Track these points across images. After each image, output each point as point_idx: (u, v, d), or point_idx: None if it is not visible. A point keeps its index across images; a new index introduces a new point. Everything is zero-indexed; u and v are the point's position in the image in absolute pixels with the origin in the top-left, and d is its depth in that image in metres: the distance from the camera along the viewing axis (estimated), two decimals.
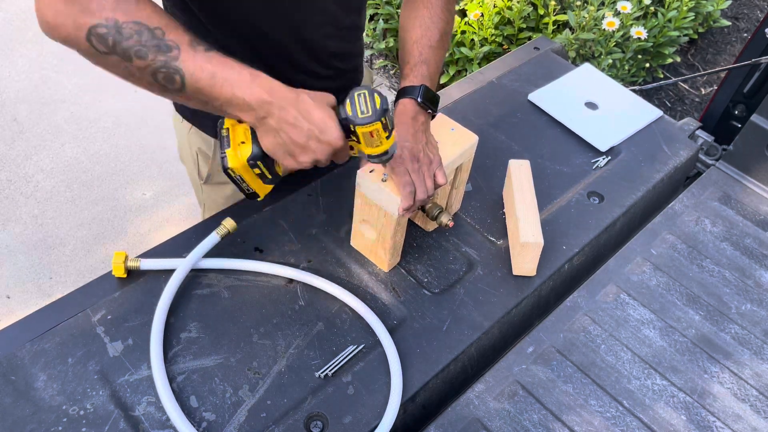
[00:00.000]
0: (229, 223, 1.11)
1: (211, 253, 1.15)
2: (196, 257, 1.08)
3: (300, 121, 0.85)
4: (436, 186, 1.04)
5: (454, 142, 1.12)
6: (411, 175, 0.99)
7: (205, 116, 1.19)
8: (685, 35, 2.90)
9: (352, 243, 1.19)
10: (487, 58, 2.75)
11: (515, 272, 1.17)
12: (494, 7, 2.66)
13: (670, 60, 2.80)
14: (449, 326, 1.10)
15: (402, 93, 1.06)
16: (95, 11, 0.78)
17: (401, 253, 1.18)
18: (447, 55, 2.76)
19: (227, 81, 0.83)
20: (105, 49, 0.80)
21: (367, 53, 3.22)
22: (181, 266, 1.07)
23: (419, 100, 1.04)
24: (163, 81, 0.83)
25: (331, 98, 0.91)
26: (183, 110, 1.25)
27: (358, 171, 1.05)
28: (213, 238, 1.10)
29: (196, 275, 1.12)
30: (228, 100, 0.84)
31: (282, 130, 0.86)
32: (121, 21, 0.79)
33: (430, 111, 1.06)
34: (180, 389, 0.98)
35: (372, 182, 1.03)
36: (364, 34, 3.23)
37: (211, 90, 0.83)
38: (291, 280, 1.13)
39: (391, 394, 0.98)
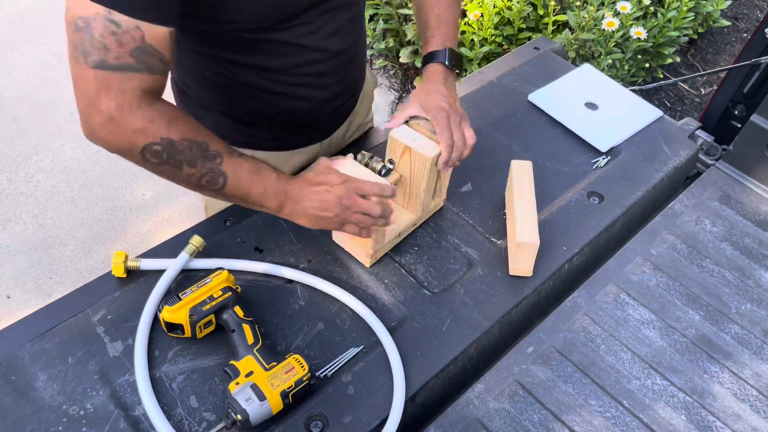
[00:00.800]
0: (196, 241, 1.11)
1: (211, 254, 1.15)
2: (166, 281, 1.08)
3: (311, 189, 1.01)
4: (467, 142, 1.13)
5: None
6: (452, 127, 1.09)
7: (204, 119, 1.19)
8: (685, 35, 2.90)
9: (334, 238, 1.19)
10: (487, 58, 2.75)
11: (512, 272, 1.17)
12: (494, 7, 2.66)
13: (669, 60, 2.80)
14: (449, 326, 1.10)
15: (430, 58, 1.16)
16: (150, 134, 0.89)
17: (397, 252, 1.18)
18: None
19: (261, 180, 0.99)
20: (158, 161, 0.92)
21: (367, 54, 3.22)
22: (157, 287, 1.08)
23: (447, 63, 1.14)
24: (206, 183, 0.97)
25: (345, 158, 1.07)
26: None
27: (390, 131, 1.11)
28: (183, 258, 1.10)
29: (196, 275, 1.12)
30: (260, 196, 1.00)
31: (300, 208, 1.01)
32: (176, 139, 0.92)
33: (457, 71, 1.17)
34: (180, 389, 0.98)
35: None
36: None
37: (248, 189, 0.99)
38: (291, 280, 1.13)
39: (394, 395, 0.98)
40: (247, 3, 0.95)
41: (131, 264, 1.10)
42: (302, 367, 0.96)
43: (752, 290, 1.24)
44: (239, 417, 0.91)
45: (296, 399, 0.96)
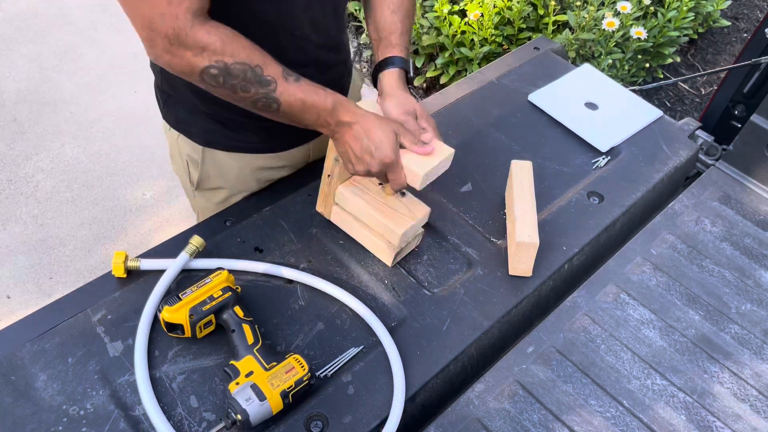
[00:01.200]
0: (196, 241, 1.11)
1: (211, 254, 1.15)
2: (166, 283, 1.08)
3: (361, 137, 1.02)
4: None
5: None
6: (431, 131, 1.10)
7: (191, 123, 1.19)
8: (685, 35, 2.90)
9: (355, 236, 1.20)
10: (487, 58, 2.75)
11: (511, 272, 1.17)
12: (494, 7, 2.66)
13: (670, 60, 2.80)
14: (449, 326, 1.10)
15: (396, 61, 1.15)
16: (206, 57, 0.92)
17: (404, 256, 1.18)
18: (447, 55, 2.77)
19: (314, 106, 1.00)
20: (215, 84, 0.95)
21: (366, 53, 3.22)
22: (157, 287, 1.08)
23: (411, 73, 1.16)
24: (261, 107, 0.99)
25: (395, 124, 1.05)
26: (169, 118, 1.24)
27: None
28: (183, 258, 1.10)
29: (196, 275, 1.12)
30: (314, 121, 1.01)
31: (348, 143, 1.03)
32: (229, 63, 0.93)
33: (410, 76, 1.18)
34: (180, 389, 0.98)
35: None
36: (364, 34, 3.24)
37: (301, 113, 1.00)
38: (291, 280, 1.13)
39: (394, 395, 0.98)
40: None
41: (131, 264, 1.10)
42: (302, 367, 0.96)
43: (752, 290, 1.24)
44: (239, 417, 0.91)
45: (296, 399, 0.96)
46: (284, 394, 0.94)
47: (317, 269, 1.15)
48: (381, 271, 1.16)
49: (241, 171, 1.25)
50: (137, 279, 1.11)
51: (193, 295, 1.01)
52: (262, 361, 0.96)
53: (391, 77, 1.14)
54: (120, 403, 0.96)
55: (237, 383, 0.94)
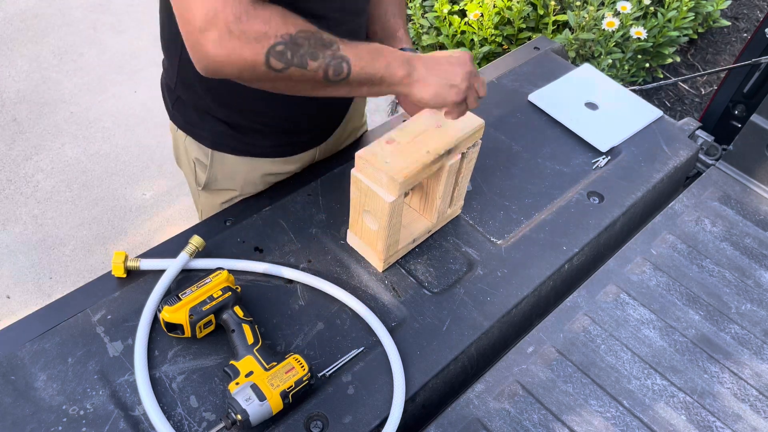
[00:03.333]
0: (196, 241, 1.11)
1: (211, 254, 1.15)
2: (165, 283, 1.08)
3: (438, 61, 1.02)
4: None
5: (461, 124, 1.10)
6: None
7: (200, 126, 1.19)
8: (685, 35, 2.90)
9: (349, 241, 1.19)
10: (487, 58, 2.75)
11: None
12: (494, 7, 2.66)
13: (669, 60, 2.80)
14: (449, 326, 1.10)
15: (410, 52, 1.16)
16: (272, 34, 0.87)
17: (401, 255, 1.18)
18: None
19: (381, 55, 0.97)
20: (283, 65, 0.89)
21: None
22: (158, 286, 1.08)
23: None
24: (332, 74, 0.93)
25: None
26: (177, 119, 1.24)
27: (356, 154, 1.04)
28: (183, 258, 1.10)
29: (196, 275, 1.12)
30: (386, 68, 0.97)
31: (428, 76, 1.00)
32: (294, 33, 0.89)
33: None
34: (180, 389, 0.98)
35: (372, 165, 1.02)
36: None
37: (373, 68, 0.96)
38: (291, 280, 1.13)
39: (394, 395, 0.98)
40: None
41: (131, 264, 1.10)
42: (302, 367, 0.96)
43: (752, 290, 1.24)
44: (239, 417, 0.91)
45: (296, 399, 0.96)
46: (284, 394, 0.94)
47: (317, 269, 1.15)
48: (381, 272, 1.16)
49: (249, 174, 1.26)
50: (137, 279, 1.11)
51: (193, 295, 1.01)
52: (262, 361, 0.96)
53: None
54: (120, 403, 0.96)
55: (237, 383, 0.94)
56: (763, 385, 1.10)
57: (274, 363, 0.96)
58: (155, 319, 1.05)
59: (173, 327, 1.01)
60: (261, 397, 0.92)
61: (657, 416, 1.04)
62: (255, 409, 0.91)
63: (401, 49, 1.15)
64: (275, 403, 0.93)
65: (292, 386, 0.94)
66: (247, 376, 0.95)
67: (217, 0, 0.83)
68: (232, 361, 0.97)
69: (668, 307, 1.20)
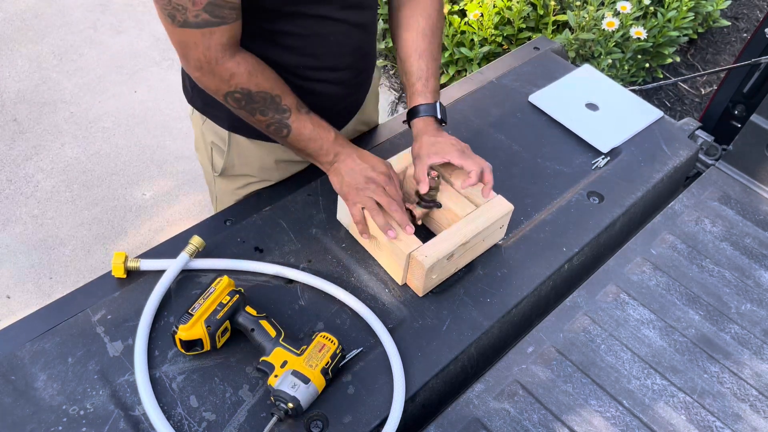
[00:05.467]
0: (196, 241, 1.11)
1: (211, 254, 1.15)
2: (163, 287, 1.08)
3: (358, 163, 1.11)
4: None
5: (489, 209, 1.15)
6: (473, 158, 1.15)
7: (218, 107, 1.20)
8: (685, 35, 2.90)
9: (368, 248, 1.20)
10: (487, 58, 2.75)
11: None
12: (494, 7, 2.66)
13: (669, 60, 2.80)
14: (449, 326, 1.10)
15: (421, 110, 1.18)
16: (233, 84, 1.03)
17: None
18: (447, 55, 2.77)
19: (319, 137, 1.10)
20: (236, 106, 1.06)
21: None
22: (160, 284, 1.08)
23: (439, 116, 1.19)
24: (273, 131, 1.10)
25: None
26: (195, 102, 1.26)
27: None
28: (183, 258, 1.10)
29: (196, 275, 1.12)
30: (316, 149, 1.11)
31: (349, 167, 1.11)
32: (253, 91, 1.04)
33: (444, 123, 1.21)
34: (180, 389, 0.98)
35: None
36: None
37: (307, 143, 1.10)
38: (291, 280, 1.13)
39: (394, 395, 0.98)
40: None
41: (131, 264, 1.10)
42: (332, 342, 0.99)
43: (752, 290, 1.24)
44: (290, 405, 0.93)
45: (334, 374, 0.99)
46: (324, 371, 0.97)
47: (317, 269, 1.15)
48: (381, 271, 1.16)
49: (264, 160, 1.28)
50: (137, 279, 1.11)
51: (203, 308, 1.00)
52: (292, 349, 0.98)
53: (419, 124, 1.19)
54: (120, 403, 0.96)
55: (276, 376, 0.95)
56: (763, 385, 1.10)
57: (304, 347, 0.98)
58: (155, 319, 1.05)
59: (191, 345, 1.00)
60: (305, 380, 0.94)
61: (657, 416, 1.04)
62: (303, 392, 0.94)
63: (416, 106, 1.19)
64: (319, 382, 0.96)
65: (329, 362, 0.97)
66: (282, 366, 0.96)
67: (189, 41, 0.97)
68: (262, 358, 0.98)
69: (668, 307, 1.20)
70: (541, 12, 2.70)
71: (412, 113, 1.19)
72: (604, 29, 2.48)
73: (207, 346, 1.00)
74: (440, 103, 1.20)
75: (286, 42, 1.09)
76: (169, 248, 1.15)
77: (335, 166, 1.12)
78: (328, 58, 1.15)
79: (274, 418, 0.94)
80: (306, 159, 1.16)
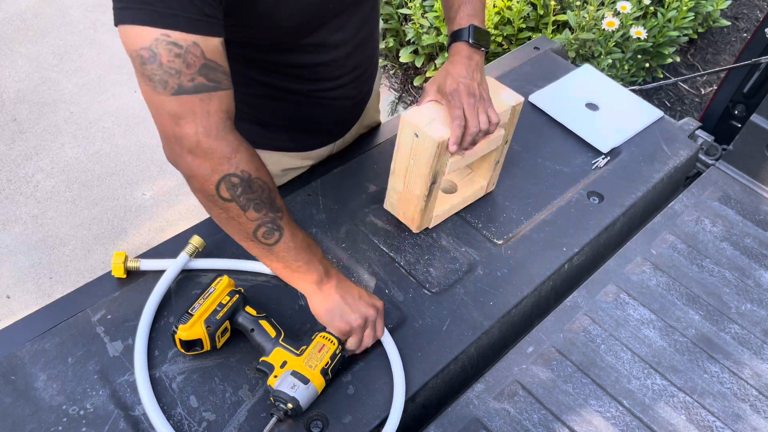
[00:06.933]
0: (196, 241, 1.11)
1: (211, 254, 1.15)
2: (165, 285, 1.08)
3: (351, 291, 1.00)
4: (490, 123, 1.08)
5: (500, 101, 1.13)
6: (465, 109, 1.04)
7: None
8: (685, 35, 2.89)
9: (386, 206, 1.24)
10: (487, 58, 2.75)
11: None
12: (494, 7, 2.66)
13: (669, 60, 2.80)
14: (449, 326, 1.10)
15: (453, 37, 1.11)
16: (234, 163, 0.87)
17: (397, 251, 1.18)
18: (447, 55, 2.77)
19: (309, 251, 0.97)
20: (229, 197, 0.88)
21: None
22: (160, 282, 1.08)
23: (471, 41, 1.09)
24: (262, 235, 0.92)
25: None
26: None
27: (409, 109, 1.08)
28: (183, 258, 1.10)
29: (196, 275, 1.12)
30: (306, 262, 0.96)
31: (333, 294, 0.99)
32: (253, 177, 0.89)
33: (483, 48, 1.11)
34: (180, 389, 0.98)
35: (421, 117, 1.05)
36: None
37: (297, 254, 0.95)
38: None
39: (394, 395, 0.98)
40: (287, 12, 0.96)
41: (131, 264, 1.10)
42: (332, 342, 0.98)
43: (752, 290, 1.24)
44: (290, 405, 0.92)
45: (334, 374, 0.99)
46: (324, 372, 0.96)
47: None
48: (381, 271, 1.16)
49: (270, 168, 1.26)
50: (137, 279, 1.11)
51: (203, 308, 1.00)
52: (292, 349, 0.98)
53: (451, 51, 1.12)
54: (120, 403, 0.96)
55: (275, 376, 0.95)
56: (763, 385, 1.10)
57: (304, 347, 0.98)
58: (155, 319, 1.05)
59: (191, 345, 1.00)
60: (304, 380, 0.94)
61: (657, 416, 1.04)
62: (302, 393, 0.93)
63: (455, 30, 1.10)
64: (318, 383, 0.95)
65: (328, 362, 0.97)
66: (282, 366, 0.96)
67: (186, 113, 0.83)
68: (262, 358, 0.98)
69: (668, 307, 1.20)
70: (541, 12, 2.70)
71: (450, 41, 1.13)
72: (604, 29, 2.48)
73: (207, 346, 1.00)
74: (474, 26, 1.09)
75: (293, 72, 1.08)
76: (169, 248, 1.15)
77: (327, 290, 0.99)
78: (331, 80, 1.14)
79: (274, 419, 0.94)
80: (284, 277, 0.99)
